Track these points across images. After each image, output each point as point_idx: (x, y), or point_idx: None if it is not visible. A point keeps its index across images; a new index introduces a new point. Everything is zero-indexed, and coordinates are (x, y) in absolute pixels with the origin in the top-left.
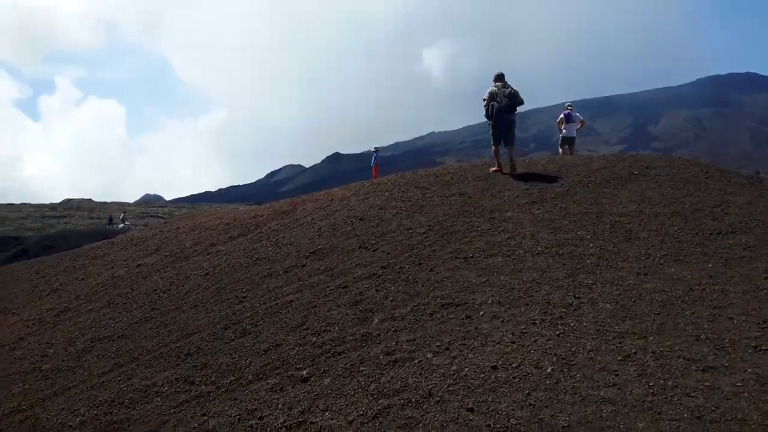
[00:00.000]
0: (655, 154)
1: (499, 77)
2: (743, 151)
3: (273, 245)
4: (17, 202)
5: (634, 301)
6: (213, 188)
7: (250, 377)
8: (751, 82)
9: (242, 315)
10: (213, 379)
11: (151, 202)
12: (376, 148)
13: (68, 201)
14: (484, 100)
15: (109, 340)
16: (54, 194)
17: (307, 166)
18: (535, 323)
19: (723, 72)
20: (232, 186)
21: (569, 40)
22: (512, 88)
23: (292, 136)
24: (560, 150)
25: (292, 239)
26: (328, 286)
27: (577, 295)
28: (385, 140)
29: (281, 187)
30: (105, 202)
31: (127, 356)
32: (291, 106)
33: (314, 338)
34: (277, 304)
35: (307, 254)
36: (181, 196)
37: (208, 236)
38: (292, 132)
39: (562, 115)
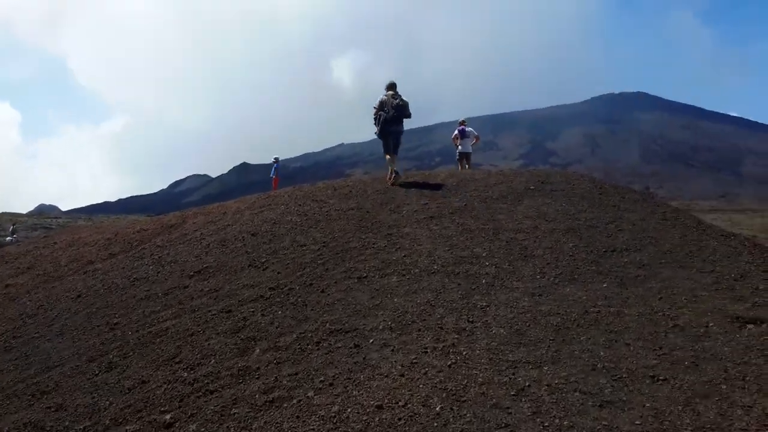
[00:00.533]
0: (551, 170)
1: (391, 86)
2: (633, 167)
3: (155, 263)
4: None
5: (529, 325)
6: (112, 198)
7: (107, 422)
8: (641, 100)
9: (111, 345)
10: (66, 423)
11: (45, 212)
12: (276, 158)
13: None
14: (374, 108)
15: None
16: None
17: (214, 176)
18: (427, 352)
19: (616, 90)
20: (133, 196)
21: (475, 56)
22: (402, 99)
23: (198, 145)
24: (459, 166)
25: (177, 257)
26: (210, 311)
27: (471, 319)
28: (295, 150)
29: (186, 197)
30: None
31: None
32: (197, 113)
33: (186, 373)
34: (150, 332)
35: (191, 274)
36: (78, 206)
37: (86, 253)
38: (198, 140)
39: (456, 131)
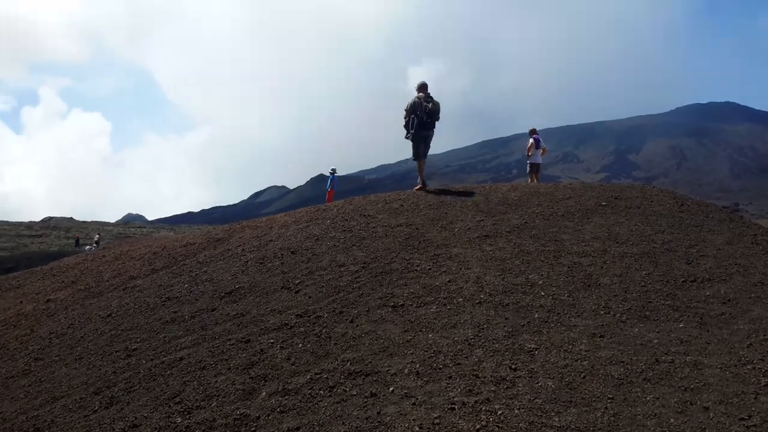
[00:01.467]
0: (626, 184)
1: (422, 87)
2: (721, 182)
3: (190, 282)
4: None
5: (584, 376)
6: (196, 209)
7: None
8: (730, 111)
9: (121, 375)
10: None
11: (132, 222)
12: (332, 170)
13: (49, 219)
14: (405, 111)
15: None
16: (35, 212)
17: (292, 187)
18: (454, 408)
19: (703, 101)
20: (215, 207)
21: (553, 65)
22: (434, 102)
23: (277, 157)
24: (529, 179)
25: (213, 275)
26: (229, 339)
27: (514, 365)
28: (371, 162)
29: (264, 208)
30: (85, 221)
31: None
32: (276, 125)
33: (180, 418)
34: (163, 362)
35: (223, 294)
36: (163, 216)
37: (130, 267)
38: (277, 152)
39: (531, 140)
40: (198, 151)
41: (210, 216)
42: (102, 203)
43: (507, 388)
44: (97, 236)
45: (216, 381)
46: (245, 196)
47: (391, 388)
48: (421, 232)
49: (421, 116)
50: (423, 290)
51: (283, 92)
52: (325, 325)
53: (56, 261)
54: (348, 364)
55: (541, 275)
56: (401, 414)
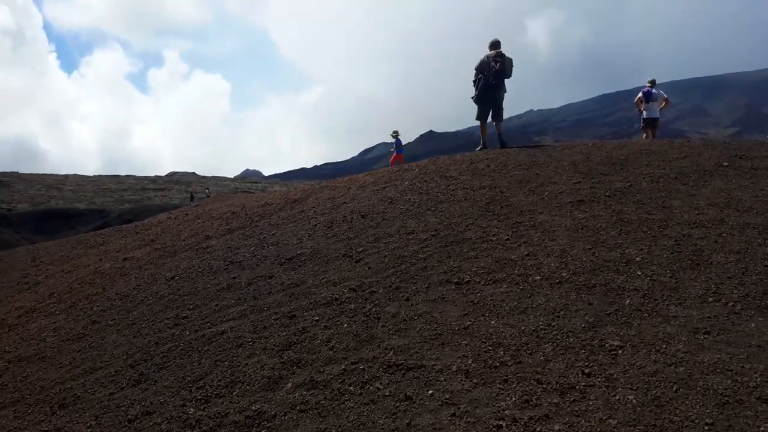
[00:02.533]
0: (755, 142)
1: (494, 44)
2: None
3: (257, 245)
4: (125, 173)
5: (677, 389)
6: (308, 164)
7: None
8: None
9: (162, 347)
10: None
11: (249, 177)
12: (395, 132)
13: (173, 174)
14: (475, 70)
15: (25, 362)
16: (161, 167)
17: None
18: (502, 427)
19: None
20: (326, 163)
21: (681, 12)
22: (503, 61)
23: (387, 114)
24: (644, 134)
25: (281, 238)
26: (275, 313)
27: (588, 369)
28: None
29: (375, 164)
30: (206, 176)
31: (6, 396)
32: (387, 82)
33: (193, 410)
34: (205, 335)
35: (283, 261)
36: (278, 171)
37: (208, 227)
38: (387, 109)
39: (640, 94)
40: (312, 108)
41: (321, 171)
42: (222, 159)
43: (574, 400)
44: (207, 190)
45: (247, 364)
46: (355, 153)
47: (431, 391)
48: (506, 196)
49: (488, 76)
50: (495, 265)
51: (394, 49)
52: (377, 302)
53: (144, 220)
54: (391, 353)
55: (641, 250)
56: (435, 429)
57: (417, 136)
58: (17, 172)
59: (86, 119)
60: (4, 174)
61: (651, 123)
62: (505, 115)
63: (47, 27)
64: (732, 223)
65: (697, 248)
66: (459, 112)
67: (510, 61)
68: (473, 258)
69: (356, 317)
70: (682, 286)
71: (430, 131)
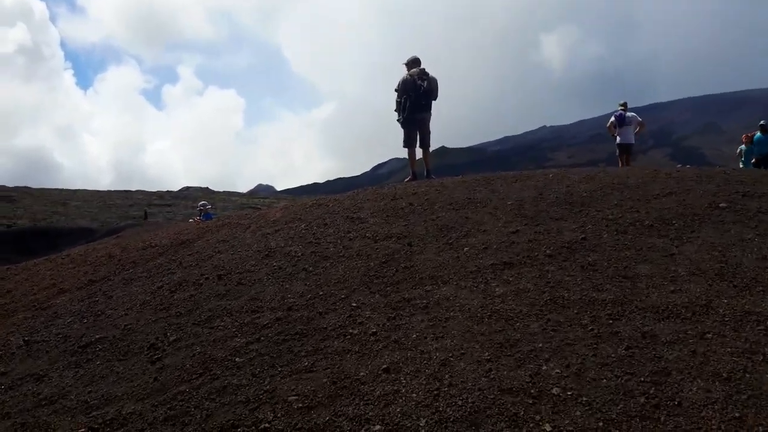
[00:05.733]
0: (765, 171)
1: (414, 62)
2: None
3: (82, 314)
4: (136, 188)
5: None
6: (321, 180)
7: None
8: None
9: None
10: None
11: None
12: (202, 205)
13: (186, 188)
14: (396, 91)
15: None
16: (175, 182)
17: None
18: None
19: None
20: (339, 178)
21: (696, 29)
22: (429, 80)
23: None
24: (619, 161)
25: (109, 306)
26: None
27: None
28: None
29: (387, 179)
30: (217, 191)
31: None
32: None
33: None
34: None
35: (76, 349)
36: (290, 186)
37: (71, 276)
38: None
39: (612, 118)
40: (325, 124)
41: (334, 186)
42: (236, 174)
43: None
44: (208, 206)
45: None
46: (368, 168)
47: None
48: (412, 252)
49: (414, 97)
50: (326, 390)
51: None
52: None
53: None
54: None
55: (568, 366)
56: None
57: (429, 151)
58: (27, 187)
59: (100, 134)
60: (13, 189)
61: (625, 149)
62: (519, 129)
63: (63, 44)
64: (724, 311)
65: (661, 368)
66: (471, 128)
67: (435, 80)
68: (304, 372)
69: None
70: None
71: (442, 147)
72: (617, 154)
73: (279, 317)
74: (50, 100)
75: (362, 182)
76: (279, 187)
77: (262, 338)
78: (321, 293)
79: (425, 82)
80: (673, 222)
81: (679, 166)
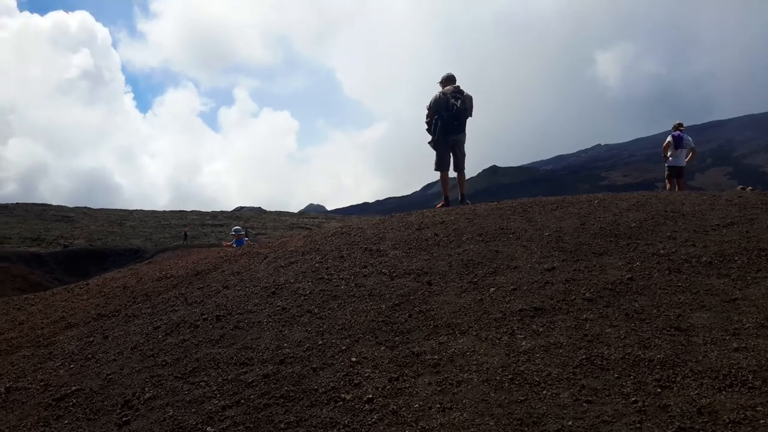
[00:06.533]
0: None
1: (448, 80)
2: None
3: (73, 356)
4: (191, 208)
5: None
6: (371, 199)
7: None
8: None
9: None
10: None
11: (311, 212)
12: (236, 230)
13: (240, 209)
14: (427, 109)
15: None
16: (229, 201)
17: None
18: None
19: None
20: (389, 198)
21: (756, 45)
22: (463, 98)
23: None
24: (667, 184)
25: (100, 350)
26: None
27: None
28: (547, 153)
29: (437, 199)
30: (270, 212)
31: None
32: None
33: None
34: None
35: (50, 403)
36: (341, 206)
37: (82, 309)
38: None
39: (670, 138)
40: (376, 144)
41: (384, 206)
42: (288, 195)
43: None
44: (251, 231)
45: None
46: (418, 187)
47: None
48: (429, 293)
49: (447, 117)
50: None
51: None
52: None
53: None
54: None
55: None
56: None
57: (479, 171)
58: (87, 207)
59: (158, 155)
60: (72, 209)
61: (677, 172)
62: (572, 148)
63: (124, 69)
64: None
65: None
66: (523, 147)
67: (470, 98)
68: None
69: None
70: None
71: (493, 166)
72: (665, 175)
73: (267, 373)
74: (111, 123)
75: (412, 201)
76: (330, 207)
77: (242, 401)
78: (320, 342)
79: (458, 101)
80: (736, 258)
81: (740, 187)
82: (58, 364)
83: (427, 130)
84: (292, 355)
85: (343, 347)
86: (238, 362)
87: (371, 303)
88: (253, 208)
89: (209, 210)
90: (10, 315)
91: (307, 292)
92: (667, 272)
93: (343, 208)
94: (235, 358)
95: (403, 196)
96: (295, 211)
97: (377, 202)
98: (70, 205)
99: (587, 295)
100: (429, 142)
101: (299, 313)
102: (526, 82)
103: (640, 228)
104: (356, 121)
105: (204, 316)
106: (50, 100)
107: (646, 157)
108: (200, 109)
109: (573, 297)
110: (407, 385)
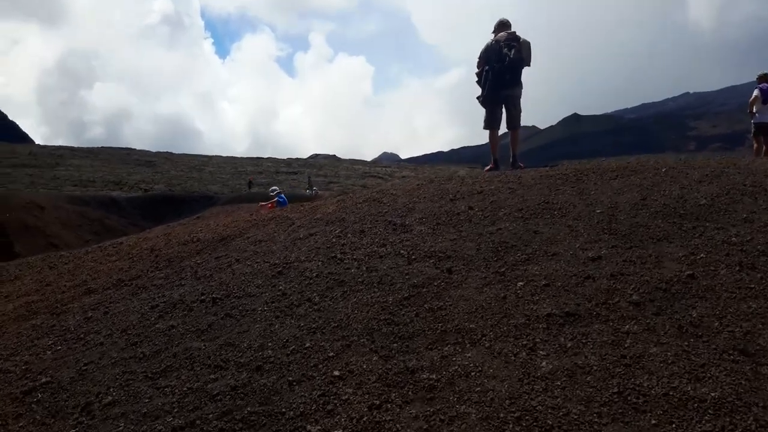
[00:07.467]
0: None
1: (504, 25)
2: None
3: (64, 336)
4: (268, 155)
5: None
6: (445, 148)
7: None
8: None
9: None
10: None
11: (384, 161)
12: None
13: (315, 156)
14: (478, 59)
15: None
16: (305, 149)
17: (542, 127)
18: None
19: None
20: (463, 147)
21: None
22: (518, 47)
23: (529, 94)
24: (755, 143)
25: (91, 328)
26: None
27: None
28: (632, 101)
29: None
30: (344, 160)
31: None
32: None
33: None
34: None
35: (24, 392)
36: (415, 155)
37: (104, 273)
38: (529, 90)
39: (757, 92)
40: (451, 90)
41: (458, 154)
42: (362, 142)
43: None
44: (315, 189)
45: None
46: None
47: None
48: (446, 284)
49: (500, 69)
50: None
51: (537, 27)
52: None
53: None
54: None
55: None
56: None
57: (559, 119)
58: (169, 152)
59: (237, 101)
60: (155, 154)
61: (765, 129)
62: (659, 96)
63: (203, 14)
64: None
65: None
66: (605, 95)
67: (528, 44)
68: None
69: None
70: None
71: (575, 114)
72: (751, 134)
73: (237, 384)
74: (191, 68)
75: (487, 150)
76: (403, 155)
77: (197, 422)
78: (308, 345)
79: (512, 51)
80: None
81: None
82: (50, 342)
83: (477, 82)
84: (272, 359)
85: (331, 353)
86: (214, 364)
87: (378, 294)
88: (328, 155)
89: (284, 157)
90: (42, 274)
91: (314, 274)
92: (737, 268)
93: (417, 157)
94: (212, 356)
95: (478, 146)
96: (369, 159)
97: (452, 150)
98: (153, 150)
99: (634, 297)
100: (477, 97)
101: (298, 301)
102: (611, 25)
103: (711, 206)
104: (433, 66)
105: (202, 297)
106: (132, 46)
107: (738, 107)
108: (277, 54)
109: (616, 299)
110: (388, 418)
